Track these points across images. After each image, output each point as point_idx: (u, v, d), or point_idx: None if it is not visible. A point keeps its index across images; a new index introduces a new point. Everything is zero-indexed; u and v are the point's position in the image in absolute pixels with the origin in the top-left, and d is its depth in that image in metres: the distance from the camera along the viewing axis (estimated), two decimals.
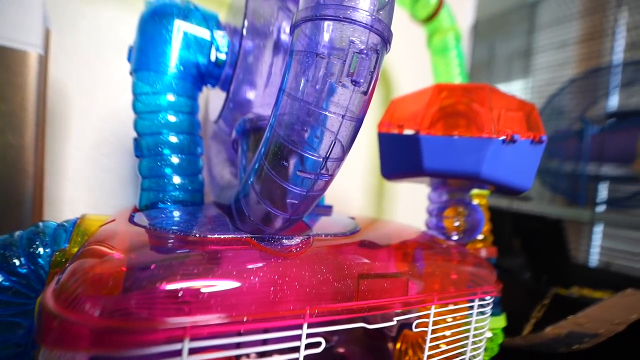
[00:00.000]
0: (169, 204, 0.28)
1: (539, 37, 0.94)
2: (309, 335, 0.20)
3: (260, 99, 0.32)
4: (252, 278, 0.20)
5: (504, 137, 0.27)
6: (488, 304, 0.33)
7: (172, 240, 0.22)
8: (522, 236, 0.79)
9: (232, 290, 0.19)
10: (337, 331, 0.25)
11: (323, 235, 0.27)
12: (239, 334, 0.18)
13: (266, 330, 0.20)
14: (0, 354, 0.24)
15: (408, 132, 0.31)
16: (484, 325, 0.32)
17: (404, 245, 0.32)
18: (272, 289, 0.20)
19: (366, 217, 0.44)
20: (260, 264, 0.21)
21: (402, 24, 0.55)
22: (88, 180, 0.42)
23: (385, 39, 0.18)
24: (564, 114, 0.90)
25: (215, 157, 0.42)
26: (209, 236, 0.22)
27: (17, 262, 0.25)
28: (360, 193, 0.76)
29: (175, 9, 0.27)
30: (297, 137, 0.19)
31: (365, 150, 0.75)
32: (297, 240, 0.25)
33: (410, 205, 0.85)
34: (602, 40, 0.86)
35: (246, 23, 0.28)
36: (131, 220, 0.25)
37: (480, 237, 0.48)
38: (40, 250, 0.25)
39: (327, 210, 0.37)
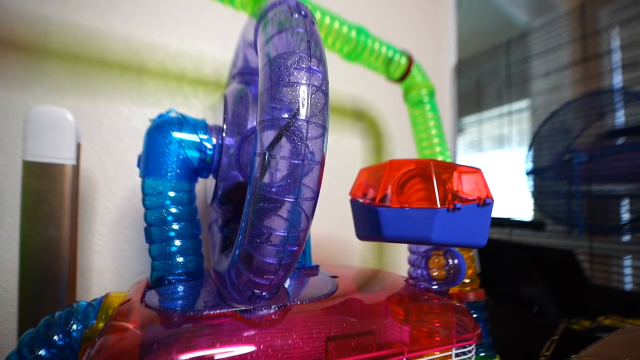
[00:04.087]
0: (173, 281, 0.34)
1: (532, 64, 0.98)
2: None
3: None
4: (235, 348, 0.25)
5: (447, 207, 0.31)
6: (469, 351, 0.35)
7: (175, 319, 0.28)
8: (540, 268, 0.79)
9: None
10: None
11: (299, 302, 0.31)
12: None
13: None
14: None
15: (370, 202, 0.36)
16: None
17: (380, 301, 0.36)
18: (248, 358, 0.25)
19: (350, 270, 0.48)
20: (241, 335, 0.26)
21: (384, 82, 0.62)
22: (113, 251, 0.50)
23: None
24: (568, 133, 0.91)
25: (215, 222, 0.48)
26: (203, 313, 0.28)
27: (56, 337, 0.31)
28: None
29: (171, 124, 0.35)
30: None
31: None
32: (274, 309, 0.30)
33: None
34: (598, 62, 0.88)
35: (225, 126, 0.35)
36: (143, 300, 0.31)
37: (466, 280, 0.51)
38: (74, 326, 0.31)
39: (314, 270, 0.42)
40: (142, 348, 0.25)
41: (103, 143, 0.51)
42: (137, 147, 0.53)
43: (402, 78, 0.60)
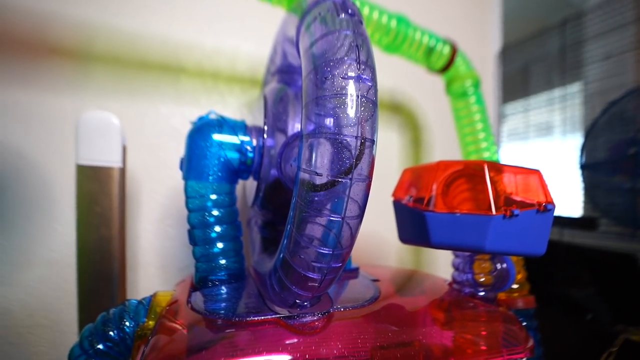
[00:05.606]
0: (217, 283, 0.34)
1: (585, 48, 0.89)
2: None
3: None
4: (280, 356, 0.25)
5: (503, 214, 0.29)
6: None
7: (219, 322, 0.28)
8: (594, 272, 0.73)
9: None
10: None
11: (342, 309, 0.31)
12: None
13: None
14: None
15: (416, 206, 0.34)
16: None
17: (424, 308, 0.35)
18: None
19: (391, 272, 0.46)
20: (286, 343, 0.26)
21: (423, 72, 0.58)
22: (157, 248, 0.51)
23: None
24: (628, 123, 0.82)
25: (254, 221, 0.48)
26: (247, 319, 0.28)
27: (111, 333, 0.33)
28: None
29: (212, 126, 0.35)
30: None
31: None
32: (319, 317, 0.29)
33: None
34: None
35: (266, 128, 0.35)
36: (189, 302, 0.31)
37: (515, 286, 0.48)
38: (127, 323, 0.33)
39: (354, 272, 0.41)
40: (189, 351, 0.25)
41: (145, 143, 0.52)
42: (177, 146, 0.54)
43: (445, 69, 0.56)
